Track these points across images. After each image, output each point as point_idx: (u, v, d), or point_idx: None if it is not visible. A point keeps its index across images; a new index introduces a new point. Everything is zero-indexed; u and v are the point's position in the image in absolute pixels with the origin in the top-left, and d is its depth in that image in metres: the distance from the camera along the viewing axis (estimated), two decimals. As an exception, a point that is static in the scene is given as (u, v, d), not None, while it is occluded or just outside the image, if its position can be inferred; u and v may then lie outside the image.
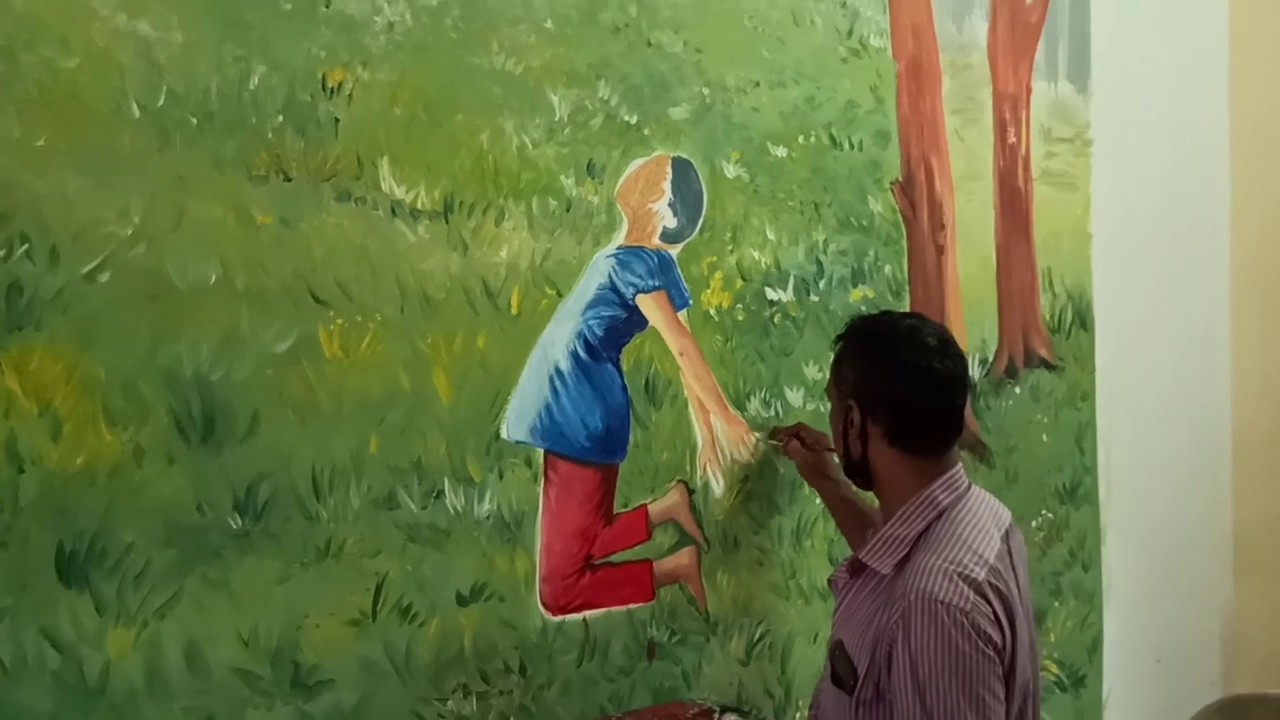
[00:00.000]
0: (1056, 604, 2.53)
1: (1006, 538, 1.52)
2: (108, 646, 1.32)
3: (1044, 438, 2.51)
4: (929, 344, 1.51)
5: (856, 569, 1.54)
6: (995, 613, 1.39)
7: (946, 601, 1.36)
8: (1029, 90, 2.47)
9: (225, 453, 1.40)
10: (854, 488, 1.68)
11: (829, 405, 1.66)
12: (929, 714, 1.34)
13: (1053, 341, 2.53)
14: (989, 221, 2.40)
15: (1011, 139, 2.44)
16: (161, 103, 1.36)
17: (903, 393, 1.50)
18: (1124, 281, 2.67)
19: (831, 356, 1.63)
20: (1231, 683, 2.88)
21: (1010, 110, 2.43)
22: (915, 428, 1.51)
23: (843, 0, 2.10)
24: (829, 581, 1.63)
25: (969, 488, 1.53)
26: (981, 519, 1.50)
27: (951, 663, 1.34)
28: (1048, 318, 2.52)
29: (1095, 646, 2.60)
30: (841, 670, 1.49)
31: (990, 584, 1.41)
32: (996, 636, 1.38)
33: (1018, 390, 2.45)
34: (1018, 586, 1.49)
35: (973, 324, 2.36)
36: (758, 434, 1.97)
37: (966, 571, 1.40)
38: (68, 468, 1.30)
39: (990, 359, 2.39)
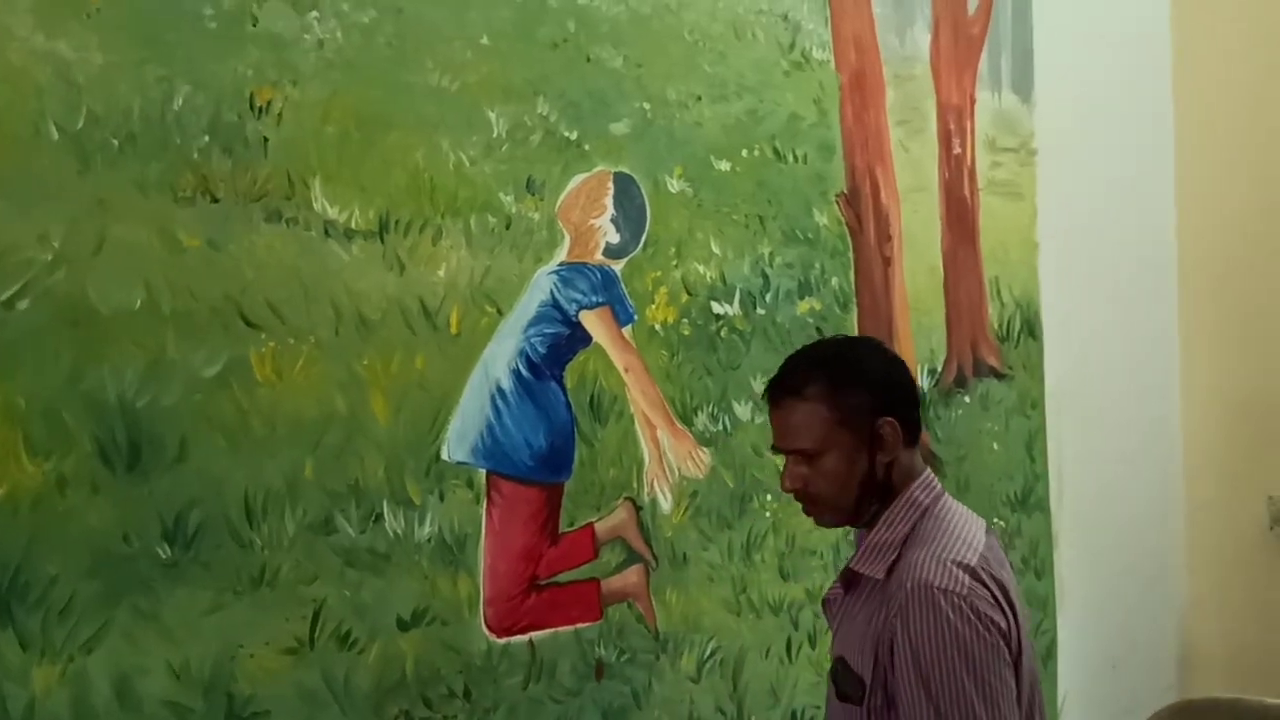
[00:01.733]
0: (1011, 612, 2.53)
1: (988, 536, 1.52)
2: (33, 683, 1.29)
3: (994, 446, 2.51)
4: (875, 342, 1.63)
5: (850, 582, 1.50)
6: (994, 595, 1.37)
7: (942, 587, 1.33)
8: (973, 101, 2.48)
9: (153, 480, 1.37)
10: None
11: (815, 466, 1.46)
12: (934, 702, 1.30)
13: (1001, 350, 2.54)
14: (935, 232, 2.41)
15: (956, 149, 2.45)
16: (81, 124, 1.33)
17: (904, 381, 1.52)
18: (1071, 289, 2.69)
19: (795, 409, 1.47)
20: (1186, 687, 2.89)
21: (955, 121, 2.45)
22: (917, 414, 1.51)
23: (784, 13, 2.10)
24: (822, 603, 1.57)
25: (942, 490, 1.53)
26: (964, 515, 1.50)
27: (954, 647, 1.31)
28: (996, 327, 2.53)
29: (1050, 653, 2.60)
30: (847, 686, 1.45)
31: (984, 569, 1.38)
32: (999, 619, 1.35)
33: (967, 400, 2.45)
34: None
35: (921, 334, 2.36)
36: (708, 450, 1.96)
37: (959, 558, 1.37)
38: (-13, 499, 1.26)
39: (939, 369, 2.40)
